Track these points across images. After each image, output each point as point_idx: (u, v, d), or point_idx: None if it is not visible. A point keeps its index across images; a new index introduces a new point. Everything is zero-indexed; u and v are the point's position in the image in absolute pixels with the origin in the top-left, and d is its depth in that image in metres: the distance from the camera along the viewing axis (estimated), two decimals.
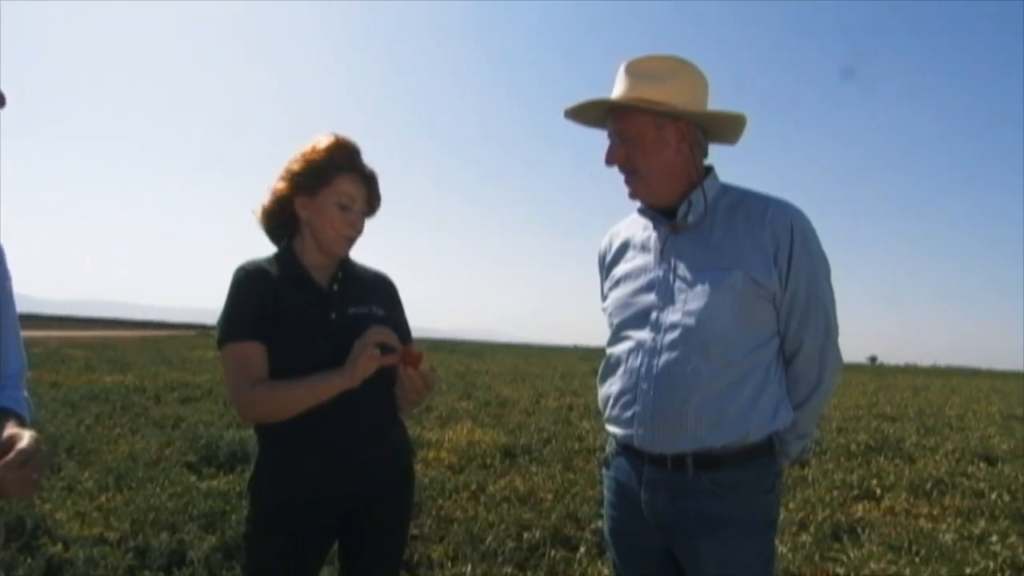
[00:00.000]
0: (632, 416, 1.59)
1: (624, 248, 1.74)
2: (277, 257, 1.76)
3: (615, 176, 1.67)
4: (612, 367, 1.68)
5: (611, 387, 1.67)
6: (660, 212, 1.65)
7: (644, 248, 1.68)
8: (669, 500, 1.57)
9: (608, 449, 1.76)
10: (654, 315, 1.58)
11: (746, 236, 1.56)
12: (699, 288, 1.55)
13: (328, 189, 1.69)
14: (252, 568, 1.72)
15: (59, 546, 3.27)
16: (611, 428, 1.68)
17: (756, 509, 1.58)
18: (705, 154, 1.67)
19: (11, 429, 1.22)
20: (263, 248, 1.82)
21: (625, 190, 1.66)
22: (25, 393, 1.41)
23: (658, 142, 1.58)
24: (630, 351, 1.61)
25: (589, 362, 23.49)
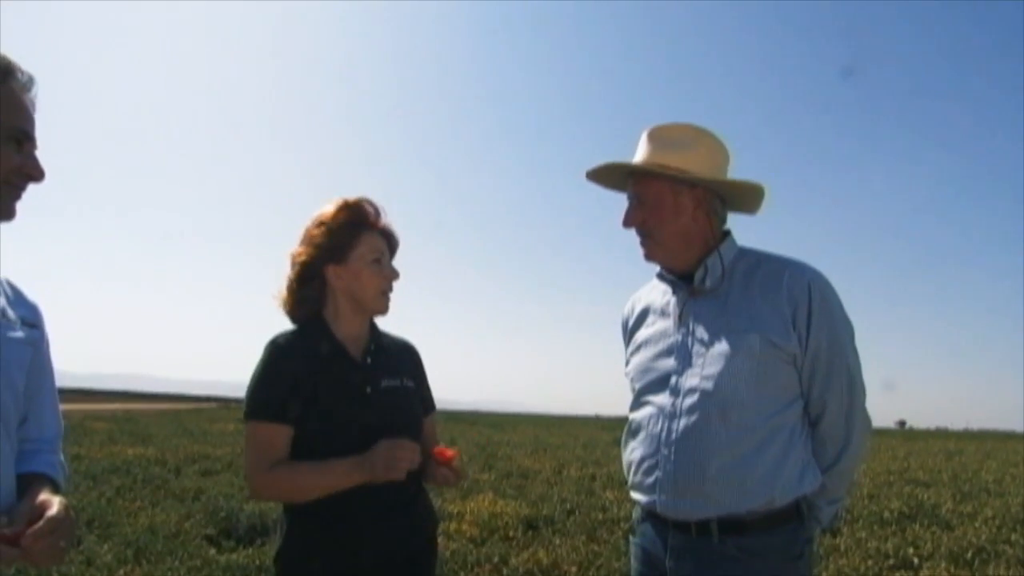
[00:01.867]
0: (655, 482, 1.58)
1: (645, 313, 1.76)
2: (309, 330, 1.73)
3: (635, 243, 1.70)
4: (634, 432, 1.68)
5: (633, 453, 1.66)
6: (679, 277, 1.67)
7: (664, 313, 1.70)
8: (695, 567, 1.54)
9: (634, 516, 1.74)
10: (673, 380, 1.59)
11: (763, 299, 1.57)
12: (716, 352, 1.55)
13: (356, 251, 1.70)
14: None
15: None
16: (635, 495, 1.67)
17: (785, 575, 1.54)
18: (723, 222, 1.70)
19: (43, 495, 1.22)
20: (284, 320, 1.78)
21: (641, 253, 1.69)
22: (61, 458, 1.42)
23: (675, 208, 1.61)
24: (651, 416, 1.62)
25: (611, 432, 23.12)
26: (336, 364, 1.70)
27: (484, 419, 35.50)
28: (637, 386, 1.69)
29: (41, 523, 1.14)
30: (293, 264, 1.74)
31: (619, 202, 1.71)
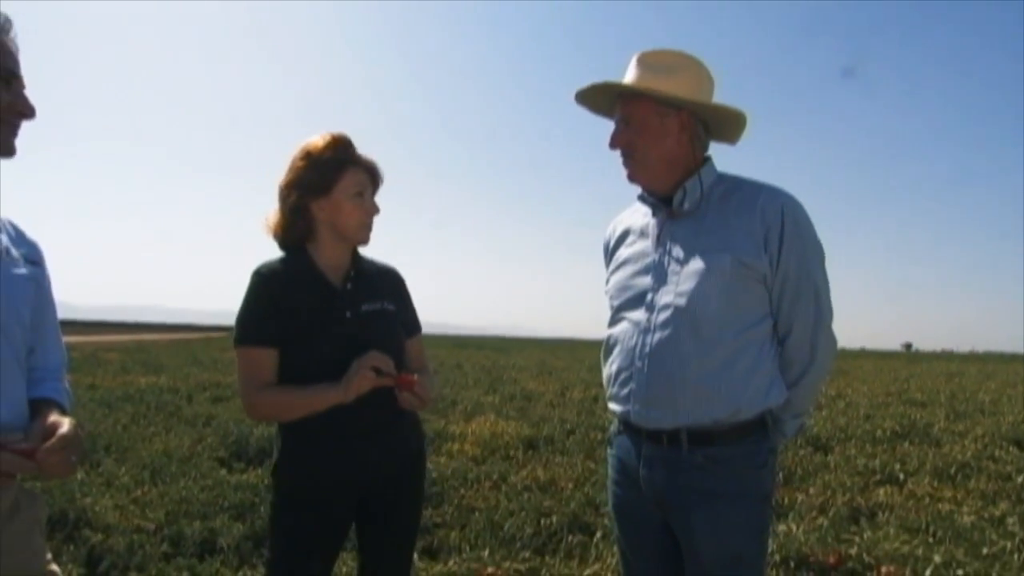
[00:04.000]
0: (629, 393, 1.67)
1: (626, 234, 1.82)
2: (292, 259, 1.83)
3: None
4: (611, 347, 1.76)
5: (611, 366, 1.74)
6: (660, 199, 1.73)
7: (643, 234, 1.76)
8: (666, 475, 1.65)
9: (612, 428, 1.84)
10: (649, 296, 1.66)
11: (737, 221, 1.63)
12: (690, 270, 1.62)
13: (340, 185, 1.77)
14: (275, 547, 1.83)
15: (99, 535, 3.44)
16: (612, 406, 1.76)
17: (749, 483, 1.64)
18: (705, 148, 1.74)
19: (54, 416, 1.33)
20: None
21: (625, 174, 1.74)
22: (66, 385, 1.52)
23: (660, 130, 1.66)
24: (627, 331, 1.69)
25: None
26: (317, 290, 1.79)
27: (491, 343, 36.02)
28: (615, 303, 1.76)
29: (54, 440, 1.25)
30: (280, 194, 1.81)
31: (608, 123, 1.76)
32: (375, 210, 1.83)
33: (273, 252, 1.86)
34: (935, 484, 5.08)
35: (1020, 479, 5.16)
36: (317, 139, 1.79)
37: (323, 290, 1.80)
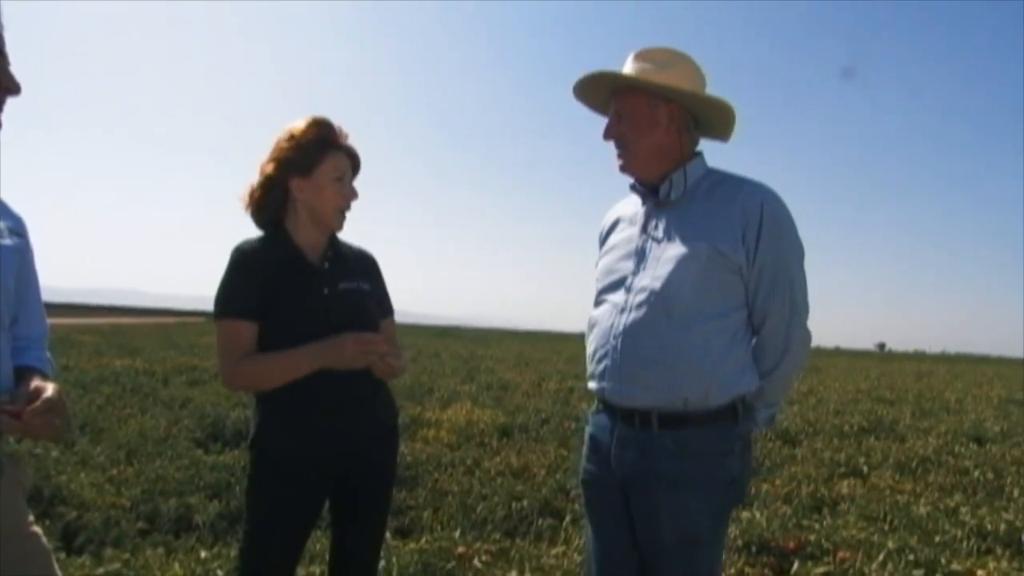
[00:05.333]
0: (604, 370, 1.75)
1: (617, 222, 1.90)
2: (271, 237, 1.89)
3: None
4: (591, 328, 1.84)
5: (590, 346, 1.82)
6: (648, 189, 1.81)
7: (632, 222, 1.84)
8: (636, 457, 1.72)
9: (591, 408, 1.91)
10: (629, 280, 1.74)
11: (719, 212, 1.71)
12: (668, 255, 1.70)
13: (322, 167, 1.83)
14: (251, 520, 1.87)
15: (74, 512, 3.47)
16: (589, 383, 1.83)
17: (714, 470, 1.70)
18: (695, 143, 1.83)
19: (36, 382, 1.39)
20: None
21: (618, 165, 1.82)
22: (48, 354, 1.58)
23: (651, 120, 1.74)
24: (606, 312, 1.77)
25: None
26: (296, 266, 1.85)
27: (469, 334, 36.04)
28: (599, 286, 1.84)
29: (39, 402, 1.31)
30: (261, 172, 1.87)
31: (601, 119, 1.84)
32: (354, 195, 1.89)
33: (252, 235, 1.90)
34: (896, 477, 5.24)
35: (976, 473, 5.34)
36: (300, 122, 1.85)
37: (302, 267, 1.85)
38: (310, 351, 1.75)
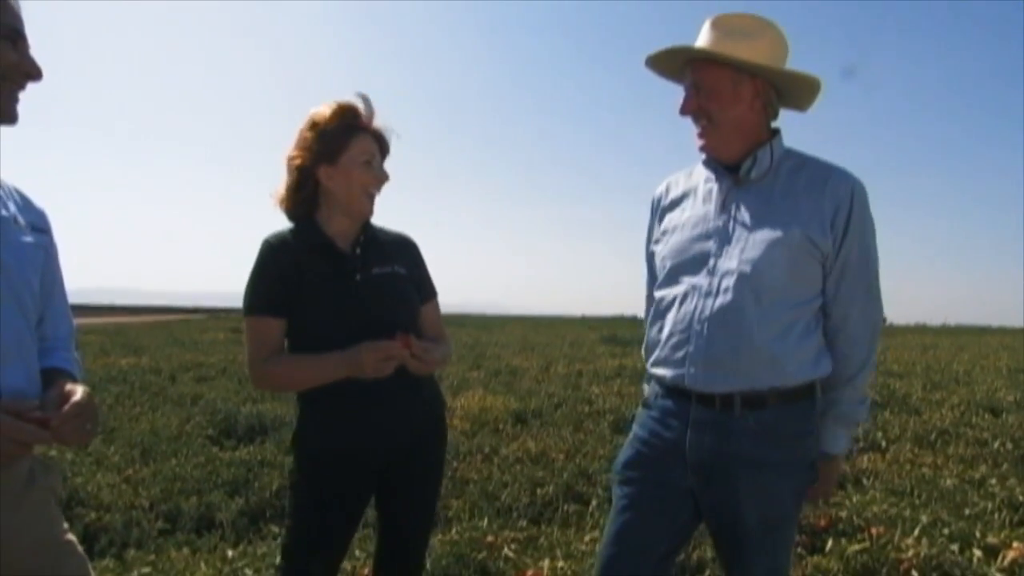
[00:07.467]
0: (684, 356, 1.66)
1: (682, 197, 1.80)
2: (300, 228, 1.82)
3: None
4: (663, 311, 1.73)
5: (662, 330, 1.73)
6: (725, 167, 1.71)
7: (705, 199, 1.74)
8: (714, 441, 1.64)
9: (649, 391, 1.80)
10: (712, 261, 1.65)
11: (807, 197, 1.64)
12: (758, 238, 1.62)
13: (348, 152, 1.76)
14: (296, 516, 1.82)
15: (94, 514, 3.43)
16: (659, 370, 1.73)
17: (795, 451, 1.65)
18: (775, 116, 1.73)
19: (67, 385, 1.31)
20: (271, 228, 1.85)
21: (698, 144, 1.72)
22: (75, 354, 1.51)
23: (734, 96, 1.64)
24: (685, 294, 1.68)
25: (598, 331, 23.62)
26: (325, 255, 1.79)
27: (472, 321, 36.02)
28: (670, 264, 1.73)
29: (67, 407, 1.25)
30: (288, 166, 1.80)
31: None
32: (384, 177, 1.82)
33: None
34: (916, 450, 5.21)
35: (996, 444, 5.30)
36: (324, 108, 1.78)
37: (332, 255, 1.80)
38: (335, 359, 1.69)
